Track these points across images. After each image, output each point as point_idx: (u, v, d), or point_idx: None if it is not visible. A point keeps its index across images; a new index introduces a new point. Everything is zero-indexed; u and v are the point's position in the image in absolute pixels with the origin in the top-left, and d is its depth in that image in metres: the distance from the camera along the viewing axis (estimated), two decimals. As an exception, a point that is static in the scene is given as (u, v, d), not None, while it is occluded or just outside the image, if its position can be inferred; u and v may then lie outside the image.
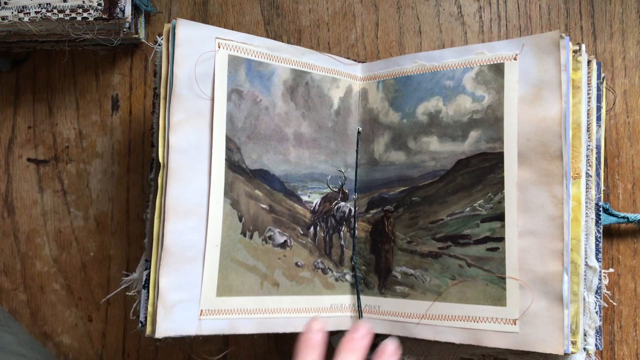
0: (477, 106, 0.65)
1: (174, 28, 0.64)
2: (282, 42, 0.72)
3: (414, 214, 0.67)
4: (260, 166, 0.67)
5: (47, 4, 0.69)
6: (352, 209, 0.71)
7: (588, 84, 0.64)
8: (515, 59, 0.63)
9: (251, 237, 0.66)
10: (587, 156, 0.64)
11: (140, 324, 0.66)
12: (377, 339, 0.71)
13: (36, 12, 0.70)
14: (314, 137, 0.70)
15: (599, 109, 0.66)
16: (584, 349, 0.63)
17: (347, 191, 0.71)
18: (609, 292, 0.71)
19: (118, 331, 0.78)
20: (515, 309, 0.61)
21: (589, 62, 0.65)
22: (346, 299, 0.70)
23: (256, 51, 0.68)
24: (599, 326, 0.64)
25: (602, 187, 0.67)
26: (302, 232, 0.69)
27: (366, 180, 0.71)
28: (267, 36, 0.78)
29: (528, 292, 0.60)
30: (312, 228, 0.69)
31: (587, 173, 0.64)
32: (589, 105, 0.64)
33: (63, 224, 0.79)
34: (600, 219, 0.65)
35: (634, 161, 0.73)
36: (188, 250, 0.63)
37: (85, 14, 0.70)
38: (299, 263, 0.68)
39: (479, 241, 0.63)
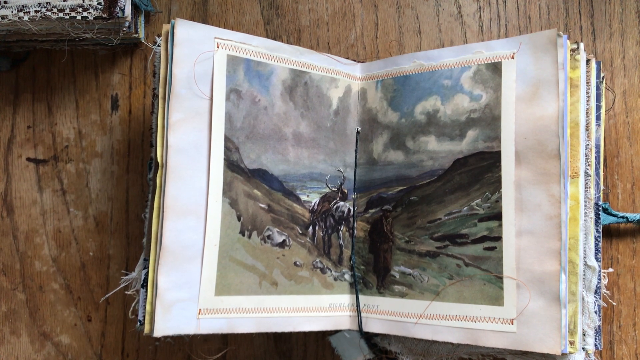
0: (474, 105, 0.65)
1: (172, 28, 0.64)
2: (282, 42, 0.72)
3: (412, 214, 0.67)
4: (259, 166, 0.67)
5: (47, 3, 0.70)
6: (351, 208, 0.71)
7: (587, 83, 0.64)
8: (512, 57, 0.63)
9: (250, 237, 0.66)
10: (586, 155, 0.64)
11: (139, 323, 0.66)
12: (376, 338, 0.71)
13: (36, 11, 0.70)
14: (312, 137, 0.70)
15: (598, 108, 0.66)
16: (583, 348, 0.63)
17: (346, 191, 0.71)
18: (608, 292, 0.71)
19: (117, 331, 0.78)
20: (512, 309, 0.60)
21: (588, 61, 0.64)
22: (345, 299, 0.70)
23: (255, 51, 0.68)
24: (598, 326, 0.64)
25: (602, 187, 0.67)
26: (300, 232, 0.69)
27: (365, 179, 0.71)
28: (267, 36, 0.78)
29: (525, 292, 0.60)
30: (310, 227, 0.69)
31: (586, 172, 0.63)
32: (588, 105, 0.64)
33: (62, 223, 0.79)
34: (599, 218, 0.65)
35: (633, 161, 0.73)
36: (187, 249, 0.63)
37: (85, 13, 0.70)
38: (297, 262, 0.68)
39: (477, 240, 0.63)
